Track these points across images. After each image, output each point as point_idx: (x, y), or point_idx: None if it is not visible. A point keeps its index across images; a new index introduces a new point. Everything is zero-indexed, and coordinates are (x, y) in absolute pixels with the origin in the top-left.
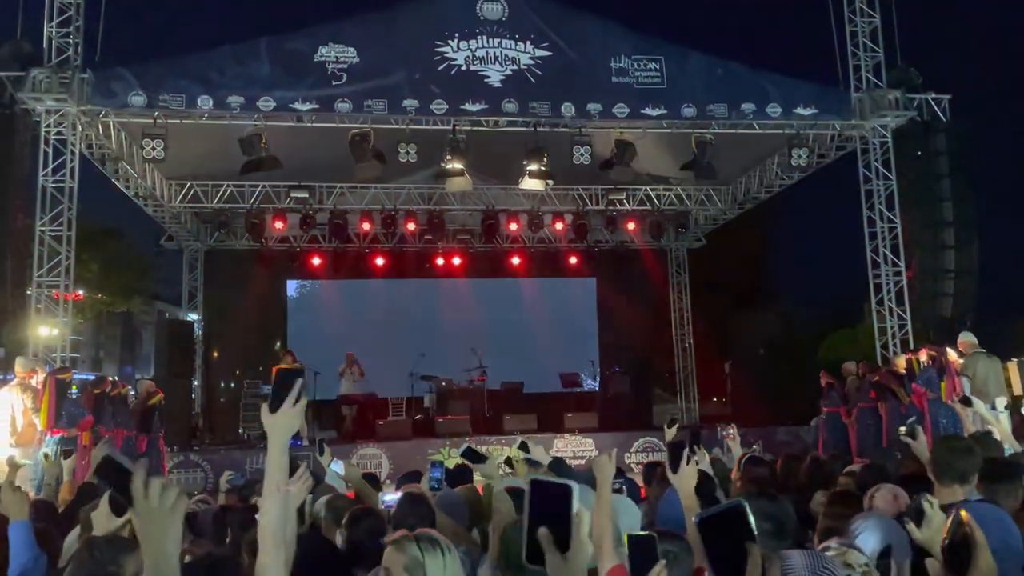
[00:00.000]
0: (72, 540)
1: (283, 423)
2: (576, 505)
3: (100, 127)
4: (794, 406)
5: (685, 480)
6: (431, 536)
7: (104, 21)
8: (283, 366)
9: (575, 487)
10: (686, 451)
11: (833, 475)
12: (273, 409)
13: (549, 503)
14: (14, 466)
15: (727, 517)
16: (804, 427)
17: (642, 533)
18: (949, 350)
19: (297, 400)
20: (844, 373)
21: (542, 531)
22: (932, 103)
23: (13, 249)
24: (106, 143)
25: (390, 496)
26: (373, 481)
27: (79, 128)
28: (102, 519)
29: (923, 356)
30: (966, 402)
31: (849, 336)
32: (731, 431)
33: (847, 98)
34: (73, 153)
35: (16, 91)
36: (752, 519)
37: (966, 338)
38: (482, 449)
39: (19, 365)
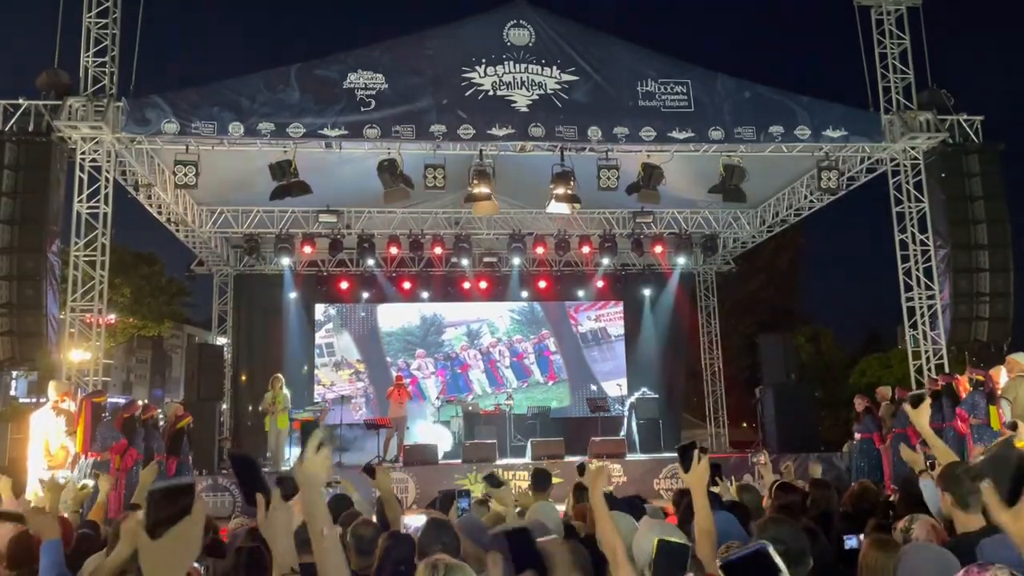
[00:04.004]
0: (90, 564)
1: (307, 471)
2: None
3: (133, 154)
4: (826, 431)
5: (697, 477)
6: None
7: (139, 50)
8: (306, 418)
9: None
10: (696, 451)
11: (878, 503)
12: (300, 461)
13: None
14: (55, 487)
15: (752, 561)
16: (837, 453)
17: (675, 541)
18: (1002, 368)
19: (319, 448)
20: (879, 398)
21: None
22: (964, 124)
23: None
24: (139, 169)
25: (412, 520)
26: None
27: (113, 155)
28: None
29: (965, 379)
30: (1013, 427)
31: (882, 361)
32: (762, 458)
33: (877, 120)
34: (107, 180)
35: (53, 119)
36: (779, 559)
37: (1019, 358)
38: (506, 476)
39: (54, 388)
